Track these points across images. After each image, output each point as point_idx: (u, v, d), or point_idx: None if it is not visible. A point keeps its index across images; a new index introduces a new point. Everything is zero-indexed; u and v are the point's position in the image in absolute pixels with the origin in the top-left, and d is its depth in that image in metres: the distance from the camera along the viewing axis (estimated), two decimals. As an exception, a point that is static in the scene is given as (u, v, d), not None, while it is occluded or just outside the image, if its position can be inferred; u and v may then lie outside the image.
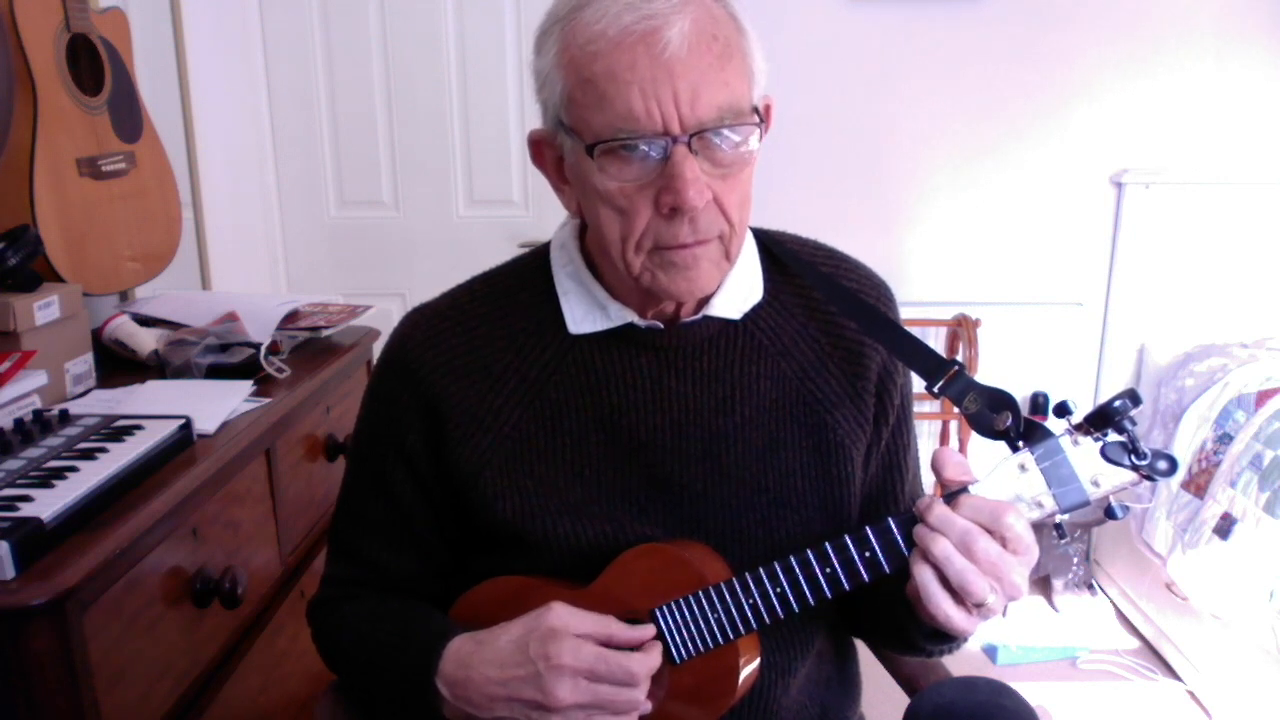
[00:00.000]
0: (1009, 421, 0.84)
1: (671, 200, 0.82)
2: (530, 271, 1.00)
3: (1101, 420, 0.81)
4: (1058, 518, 0.84)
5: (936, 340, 2.83)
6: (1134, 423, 0.81)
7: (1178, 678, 2.49)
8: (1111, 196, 2.84)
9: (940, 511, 0.82)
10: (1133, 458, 0.81)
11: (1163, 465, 0.81)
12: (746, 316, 0.98)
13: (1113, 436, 0.81)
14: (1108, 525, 2.79)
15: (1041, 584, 2.91)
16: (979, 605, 0.81)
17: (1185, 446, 2.50)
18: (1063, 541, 0.90)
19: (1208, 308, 2.84)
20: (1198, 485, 2.39)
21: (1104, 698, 2.46)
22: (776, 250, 1.01)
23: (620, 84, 0.80)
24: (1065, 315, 2.86)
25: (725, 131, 0.83)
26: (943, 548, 0.81)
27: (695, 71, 0.80)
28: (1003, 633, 2.64)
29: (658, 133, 0.81)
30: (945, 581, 0.81)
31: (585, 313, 0.96)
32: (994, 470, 0.84)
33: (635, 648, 0.89)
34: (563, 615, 0.87)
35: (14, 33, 1.42)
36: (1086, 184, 2.83)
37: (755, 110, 0.85)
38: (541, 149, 0.92)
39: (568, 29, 0.83)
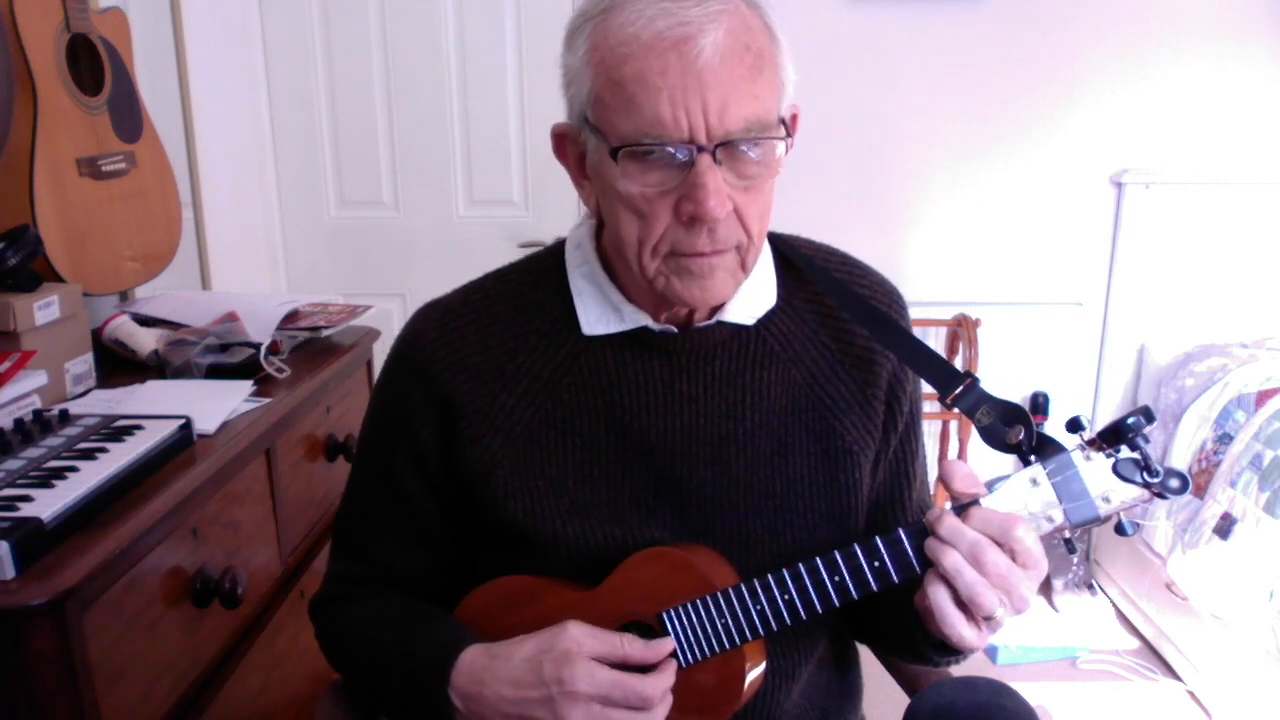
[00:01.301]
0: (1021, 435, 0.84)
1: (692, 209, 0.82)
2: (544, 270, 1.00)
3: (1114, 436, 0.81)
4: (1067, 532, 0.83)
5: (936, 340, 2.83)
6: (1147, 440, 0.81)
7: (1178, 678, 2.49)
8: (1111, 196, 2.84)
9: (950, 523, 0.82)
10: (1145, 475, 0.81)
11: (1174, 483, 0.81)
12: (759, 322, 0.97)
13: (1125, 453, 0.81)
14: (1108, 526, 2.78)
15: (1042, 584, 2.90)
16: (988, 618, 0.81)
17: (1185, 446, 2.50)
18: (1072, 555, 0.90)
19: (1208, 308, 2.84)
20: (1198, 485, 2.39)
21: (1104, 698, 2.46)
22: (790, 255, 1.00)
23: (650, 89, 0.79)
24: (1065, 315, 2.86)
25: (751, 144, 0.82)
26: (952, 560, 0.81)
27: (726, 83, 0.79)
28: (1003, 633, 2.63)
29: (683, 140, 0.80)
30: (960, 601, 0.81)
31: (600, 314, 0.95)
32: (1005, 483, 0.83)
33: (651, 666, 0.88)
34: (577, 636, 0.86)
35: (14, 33, 1.42)
36: (1086, 184, 2.83)
37: (782, 122, 0.85)
38: (564, 143, 0.92)
39: (599, 28, 0.82)
